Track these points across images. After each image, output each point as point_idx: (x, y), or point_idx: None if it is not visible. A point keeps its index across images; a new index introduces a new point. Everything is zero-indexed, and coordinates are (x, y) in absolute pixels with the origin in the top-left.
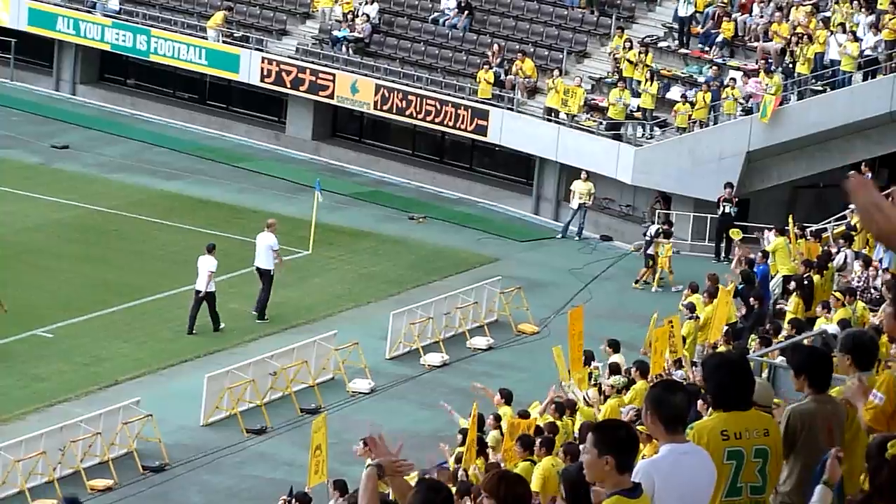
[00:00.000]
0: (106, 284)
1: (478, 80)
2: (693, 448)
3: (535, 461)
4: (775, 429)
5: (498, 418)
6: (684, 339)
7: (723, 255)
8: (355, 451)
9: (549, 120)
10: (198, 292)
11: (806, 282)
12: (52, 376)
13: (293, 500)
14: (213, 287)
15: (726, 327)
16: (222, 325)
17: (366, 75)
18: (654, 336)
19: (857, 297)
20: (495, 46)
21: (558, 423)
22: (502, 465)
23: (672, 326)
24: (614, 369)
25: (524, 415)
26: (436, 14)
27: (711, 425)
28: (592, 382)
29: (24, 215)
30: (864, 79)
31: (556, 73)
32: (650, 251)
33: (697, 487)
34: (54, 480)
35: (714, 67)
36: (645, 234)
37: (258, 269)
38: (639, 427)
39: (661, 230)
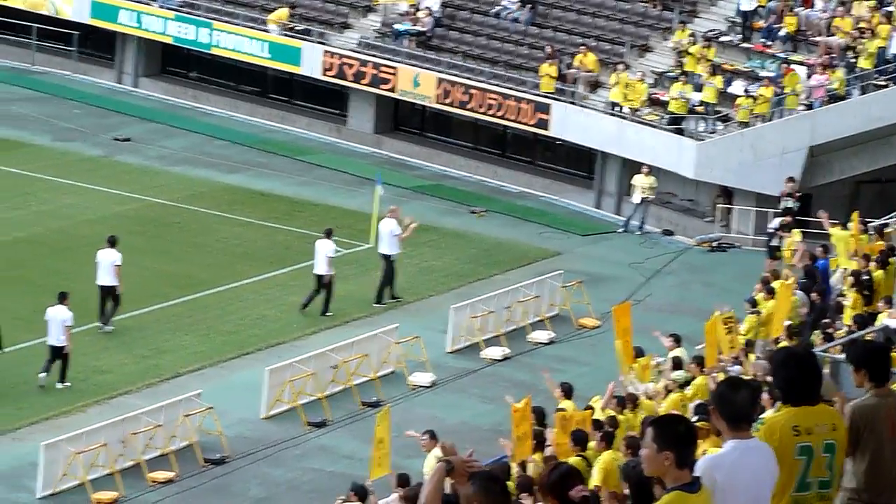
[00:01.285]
0: (167, 277)
1: (540, 73)
2: (756, 444)
3: (587, 457)
4: (841, 423)
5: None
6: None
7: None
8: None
9: (611, 114)
10: (319, 276)
11: (865, 277)
12: (114, 368)
13: (351, 493)
14: (332, 271)
15: (788, 322)
16: (329, 313)
17: (428, 69)
18: (705, 329)
19: None
20: (557, 40)
21: (619, 416)
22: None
23: (731, 321)
24: (677, 364)
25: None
26: (498, 8)
27: (783, 420)
28: (653, 377)
29: (85, 207)
30: None
31: (619, 67)
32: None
33: (760, 483)
34: (115, 472)
35: (783, 65)
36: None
37: (381, 254)
38: (698, 423)
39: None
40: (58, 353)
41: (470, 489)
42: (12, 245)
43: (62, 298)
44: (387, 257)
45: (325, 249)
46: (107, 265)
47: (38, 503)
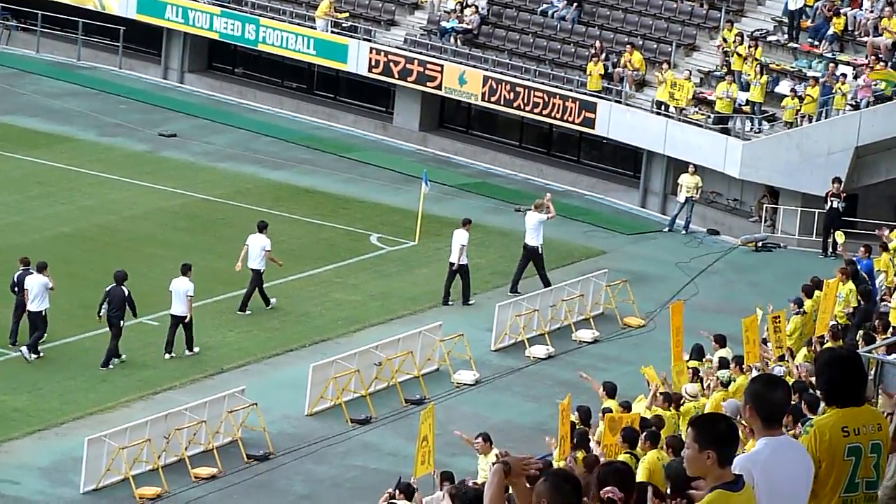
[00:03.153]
0: (212, 273)
1: (588, 72)
2: (789, 441)
3: (638, 455)
4: (885, 423)
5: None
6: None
7: (829, 250)
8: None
9: (657, 113)
10: (451, 265)
11: None
12: (158, 364)
13: (397, 492)
14: (466, 260)
15: (833, 322)
16: (471, 301)
17: (474, 66)
18: (744, 326)
19: None
20: (606, 39)
21: (664, 414)
22: (602, 459)
23: (778, 321)
24: (724, 363)
25: (626, 406)
26: (544, 6)
27: (832, 422)
28: (694, 377)
29: (131, 203)
30: None
31: (665, 66)
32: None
33: (795, 481)
34: (159, 468)
35: (831, 65)
36: None
37: (527, 245)
38: (743, 421)
39: None
40: (179, 321)
41: (540, 487)
42: (57, 240)
43: (185, 270)
44: (533, 248)
45: (459, 239)
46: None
47: (81, 498)
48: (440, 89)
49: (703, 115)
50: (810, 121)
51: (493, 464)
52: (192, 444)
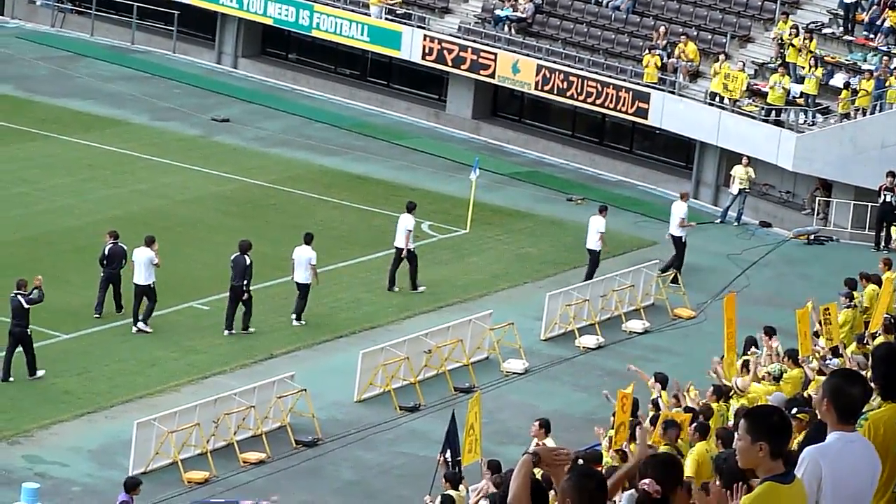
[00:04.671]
0: (262, 258)
1: (644, 63)
2: (859, 437)
3: (679, 448)
4: None
5: (656, 404)
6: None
7: (883, 244)
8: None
9: (711, 104)
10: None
11: None
12: (208, 349)
13: (444, 482)
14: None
15: (886, 315)
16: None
17: (527, 55)
18: (797, 318)
19: None
20: (661, 29)
21: (714, 405)
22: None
23: (828, 314)
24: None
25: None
26: None
27: (887, 416)
28: (743, 369)
29: (182, 187)
30: None
31: (721, 57)
32: None
33: (862, 478)
34: (207, 452)
35: (885, 58)
36: None
37: (672, 236)
38: (798, 415)
39: None
40: (305, 289)
41: (564, 484)
42: (109, 223)
43: (308, 239)
44: (677, 238)
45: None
46: (141, 263)
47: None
48: (493, 77)
49: (756, 106)
50: (864, 114)
51: (523, 454)
52: (241, 428)
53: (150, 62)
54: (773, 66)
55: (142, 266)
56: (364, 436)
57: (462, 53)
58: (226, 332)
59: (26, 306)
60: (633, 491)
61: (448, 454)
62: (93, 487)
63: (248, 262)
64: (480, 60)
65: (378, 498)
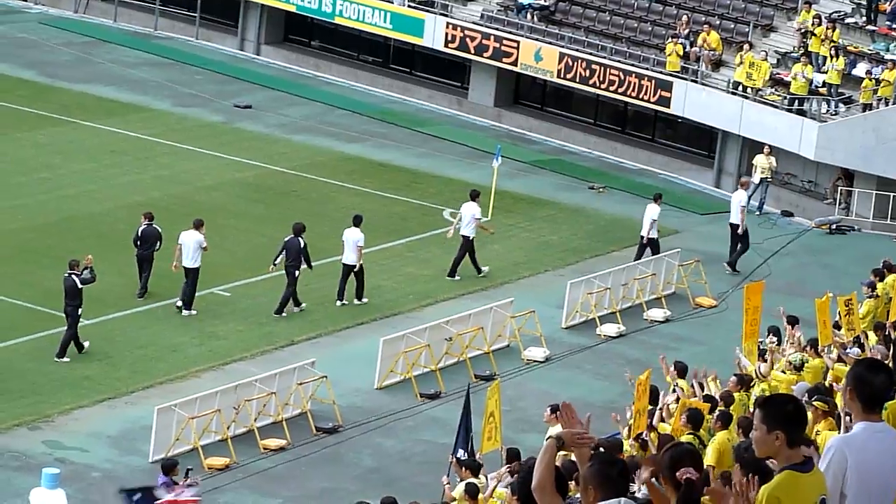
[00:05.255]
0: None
1: (667, 52)
2: (886, 428)
3: (701, 437)
4: None
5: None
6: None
7: None
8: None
9: (733, 93)
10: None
11: None
12: (229, 335)
13: (462, 468)
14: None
15: None
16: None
17: (550, 43)
18: (816, 307)
19: None
20: (684, 17)
21: (735, 394)
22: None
23: (850, 304)
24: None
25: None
26: None
27: None
28: (760, 357)
29: (204, 173)
30: None
31: (746, 46)
32: None
33: (887, 468)
34: (228, 439)
35: None
36: None
37: (731, 223)
38: (815, 402)
39: None
40: (350, 270)
41: (587, 471)
42: (131, 209)
43: (357, 222)
44: (735, 227)
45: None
46: (191, 247)
47: (150, 467)
48: (516, 65)
49: (779, 96)
50: (886, 104)
51: (547, 438)
52: (262, 415)
53: (172, 48)
54: (795, 55)
55: (189, 249)
56: (384, 423)
57: (485, 41)
58: (281, 313)
59: (80, 286)
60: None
61: (460, 453)
62: (113, 473)
63: (301, 244)
64: (503, 48)
65: (398, 485)
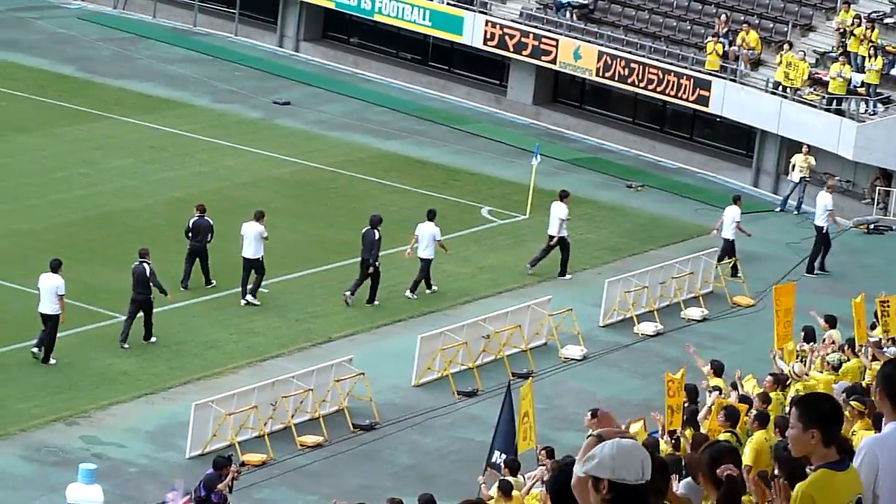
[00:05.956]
0: (322, 241)
1: (707, 51)
2: None
3: (737, 434)
4: None
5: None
6: None
7: None
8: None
9: (772, 92)
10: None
11: None
12: (266, 331)
13: (503, 467)
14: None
15: None
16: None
17: (589, 42)
18: (853, 307)
19: None
20: (723, 17)
21: (772, 394)
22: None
23: (887, 305)
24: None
25: (734, 388)
26: None
27: None
28: (799, 358)
29: (243, 170)
30: None
31: (785, 46)
32: None
33: None
34: (265, 435)
35: None
36: None
37: (816, 226)
38: (852, 402)
39: None
40: (427, 264)
41: None
42: (169, 204)
43: (432, 216)
44: (820, 229)
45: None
46: (251, 237)
47: (186, 463)
48: (554, 64)
49: (817, 95)
50: None
51: (588, 437)
52: (299, 412)
53: (211, 45)
54: (834, 55)
55: (251, 240)
56: (421, 420)
57: (524, 39)
58: (348, 295)
59: (149, 273)
60: (689, 479)
61: (496, 456)
62: (150, 469)
63: (376, 236)
64: (542, 46)
65: (434, 482)
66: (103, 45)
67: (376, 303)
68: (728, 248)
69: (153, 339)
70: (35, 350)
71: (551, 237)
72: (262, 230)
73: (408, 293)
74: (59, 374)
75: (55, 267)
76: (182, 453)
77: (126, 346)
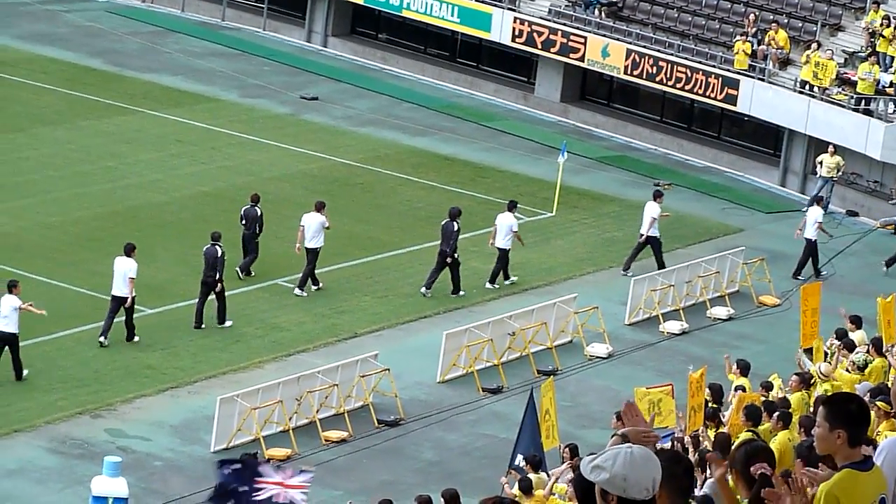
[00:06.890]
0: (349, 237)
1: (735, 50)
2: None
3: (758, 433)
4: None
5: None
6: None
7: None
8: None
9: (800, 92)
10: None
11: None
12: (292, 326)
13: (526, 463)
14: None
15: None
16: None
17: (617, 39)
18: (879, 307)
19: None
20: (752, 16)
21: (794, 395)
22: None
23: None
24: (851, 346)
25: (767, 387)
26: None
27: None
28: (827, 357)
29: (270, 165)
30: None
31: (814, 45)
32: None
33: None
34: (290, 430)
35: None
36: None
37: (808, 239)
38: (878, 403)
39: None
40: (505, 254)
41: None
42: (196, 199)
43: (511, 207)
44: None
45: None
46: (312, 228)
47: (211, 457)
48: (583, 61)
49: (845, 95)
50: None
51: (612, 436)
52: (324, 407)
53: (239, 39)
54: (863, 55)
55: (312, 230)
56: (446, 416)
57: (552, 36)
58: (425, 290)
59: (220, 255)
60: (711, 480)
61: (518, 459)
62: (175, 462)
63: (455, 227)
64: (570, 44)
65: (458, 479)
66: (131, 38)
67: (461, 293)
68: (811, 249)
69: (228, 322)
70: (102, 339)
71: (641, 235)
72: (323, 220)
73: (487, 284)
74: (84, 367)
75: (129, 251)
76: (207, 447)
77: (203, 326)
